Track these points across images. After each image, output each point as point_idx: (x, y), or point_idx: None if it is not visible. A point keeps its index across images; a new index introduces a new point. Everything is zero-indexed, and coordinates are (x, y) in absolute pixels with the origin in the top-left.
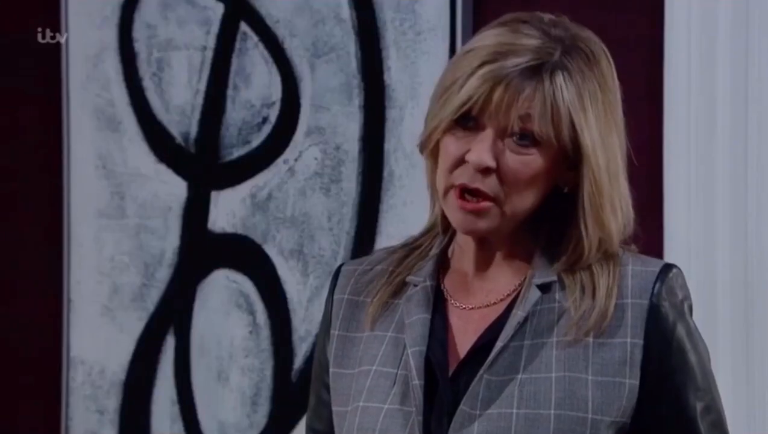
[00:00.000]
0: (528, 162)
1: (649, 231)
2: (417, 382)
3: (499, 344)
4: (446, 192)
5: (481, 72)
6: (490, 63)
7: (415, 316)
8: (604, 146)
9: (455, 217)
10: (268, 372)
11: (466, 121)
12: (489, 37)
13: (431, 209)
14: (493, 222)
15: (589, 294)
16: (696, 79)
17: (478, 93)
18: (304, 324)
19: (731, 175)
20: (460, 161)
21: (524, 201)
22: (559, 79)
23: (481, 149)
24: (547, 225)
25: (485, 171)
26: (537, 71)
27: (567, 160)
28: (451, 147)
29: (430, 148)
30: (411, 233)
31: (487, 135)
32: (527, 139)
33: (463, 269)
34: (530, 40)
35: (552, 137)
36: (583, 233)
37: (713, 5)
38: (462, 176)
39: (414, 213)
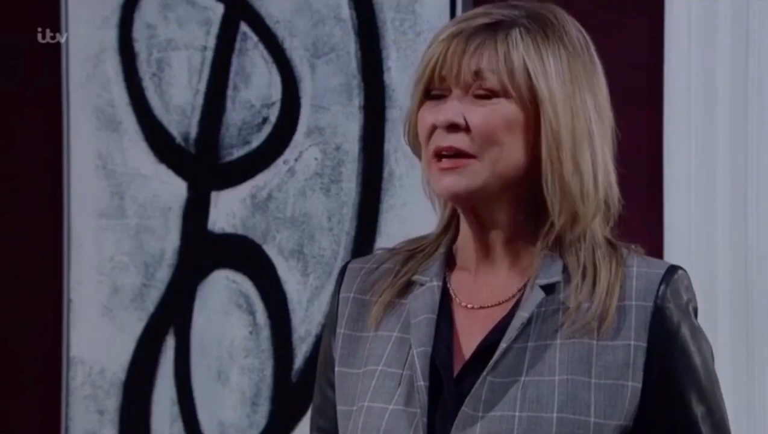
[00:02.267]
0: (493, 110)
1: (649, 231)
2: (422, 383)
3: (502, 346)
4: (429, 166)
5: (443, 34)
6: (455, 26)
7: (421, 316)
8: (568, 104)
9: (437, 184)
10: (268, 372)
11: (436, 97)
12: (469, 11)
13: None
14: (475, 178)
15: (590, 292)
16: (696, 79)
17: (437, 51)
18: (304, 325)
19: (731, 175)
20: (434, 127)
21: (504, 153)
22: (515, 32)
23: (445, 109)
24: (552, 227)
25: (454, 128)
26: (493, 27)
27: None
28: (424, 117)
29: (414, 142)
30: (411, 233)
31: (452, 96)
32: (486, 95)
33: (468, 267)
34: (501, 9)
35: (508, 85)
36: (546, 195)
37: (713, 5)
38: (435, 141)
39: (414, 213)
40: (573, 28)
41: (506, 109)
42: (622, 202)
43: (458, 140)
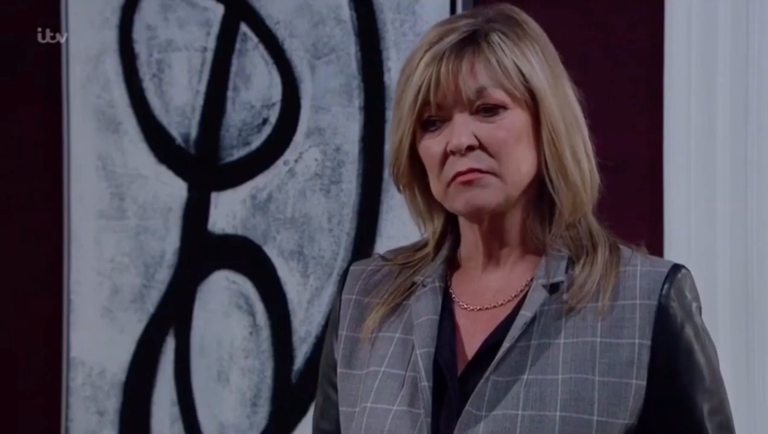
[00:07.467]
0: (501, 125)
1: (649, 231)
2: (426, 384)
3: (505, 345)
4: (445, 191)
5: (424, 59)
6: (430, 49)
7: (423, 317)
8: (555, 95)
9: (461, 202)
10: (268, 373)
11: (433, 124)
12: (429, 33)
13: (422, 234)
14: (499, 192)
15: (593, 290)
16: (696, 79)
17: (426, 76)
18: (304, 325)
19: (731, 175)
20: (445, 155)
21: (519, 163)
22: (495, 37)
23: (457, 134)
24: (559, 218)
25: (469, 150)
26: (472, 39)
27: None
28: (431, 148)
29: (404, 180)
30: (411, 233)
31: (456, 119)
32: (492, 109)
33: (471, 269)
34: (463, 20)
35: (512, 92)
36: (551, 188)
37: (713, 5)
38: (452, 167)
39: None
40: (533, 22)
41: (513, 118)
42: (602, 188)
43: (476, 160)
